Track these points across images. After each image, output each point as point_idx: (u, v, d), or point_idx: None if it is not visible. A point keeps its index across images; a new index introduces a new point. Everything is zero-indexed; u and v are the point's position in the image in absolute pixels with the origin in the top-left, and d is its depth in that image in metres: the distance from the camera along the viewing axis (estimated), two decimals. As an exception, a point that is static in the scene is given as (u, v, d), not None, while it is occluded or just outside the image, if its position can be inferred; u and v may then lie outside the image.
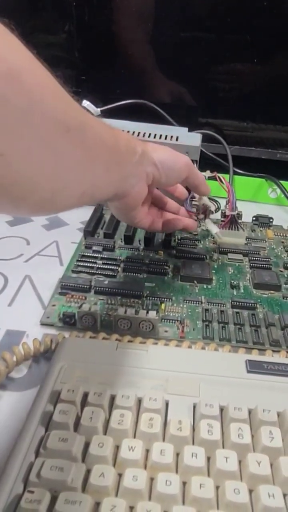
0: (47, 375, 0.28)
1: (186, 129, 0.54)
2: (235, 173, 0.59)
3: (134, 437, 0.25)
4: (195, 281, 0.41)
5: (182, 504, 0.22)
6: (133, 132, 0.51)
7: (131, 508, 0.22)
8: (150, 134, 0.51)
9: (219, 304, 0.38)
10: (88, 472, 0.23)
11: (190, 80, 0.67)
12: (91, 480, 0.22)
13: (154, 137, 0.50)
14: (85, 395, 0.27)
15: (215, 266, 0.44)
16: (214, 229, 0.43)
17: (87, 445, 0.24)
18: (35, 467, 0.23)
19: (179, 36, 0.65)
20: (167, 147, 0.37)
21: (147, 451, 0.24)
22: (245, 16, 0.62)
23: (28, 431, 0.25)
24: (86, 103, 0.63)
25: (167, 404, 0.27)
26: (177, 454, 0.24)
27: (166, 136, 0.51)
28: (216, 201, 0.48)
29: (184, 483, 0.23)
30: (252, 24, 0.62)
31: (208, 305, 0.38)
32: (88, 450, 0.24)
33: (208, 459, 0.24)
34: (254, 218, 0.52)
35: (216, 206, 0.47)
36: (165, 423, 0.26)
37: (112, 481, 0.22)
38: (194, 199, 0.43)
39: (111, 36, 0.69)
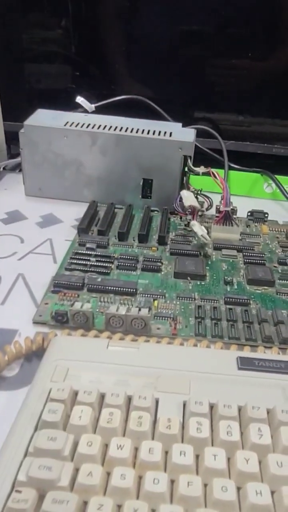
0: (37, 373, 0.29)
1: (180, 124, 0.54)
2: (231, 168, 0.58)
3: (123, 435, 0.25)
4: (189, 278, 0.41)
5: (170, 502, 0.22)
6: (127, 128, 0.51)
7: (119, 506, 0.22)
8: (143, 130, 0.50)
9: (212, 301, 0.38)
10: (76, 471, 0.23)
11: (185, 75, 0.66)
12: (79, 479, 0.22)
13: (148, 133, 0.50)
14: (75, 394, 0.27)
15: (209, 262, 0.43)
16: (200, 232, 0.43)
17: (75, 444, 0.24)
18: (23, 467, 0.23)
19: (174, 30, 0.65)
20: None
21: (136, 449, 0.24)
22: (241, 9, 0.61)
23: (17, 430, 0.25)
24: (80, 99, 0.62)
25: (157, 402, 0.27)
26: (166, 452, 0.24)
27: (159, 132, 0.50)
28: (208, 198, 0.47)
29: (172, 482, 0.23)
30: (247, 17, 0.62)
31: (201, 301, 0.38)
32: (77, 449, 0.24)
33: (197, 457, 0.24)
34: (249, 213, 0.52)
35: (209, 203, 0.47)
36: (154, 421, 0.26)
37: (100, 480, 0.22)
38: (181, 200, 0.43)
39: (106, 31, 0.69)
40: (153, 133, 0.50)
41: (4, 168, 0.60)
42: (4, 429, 0.26)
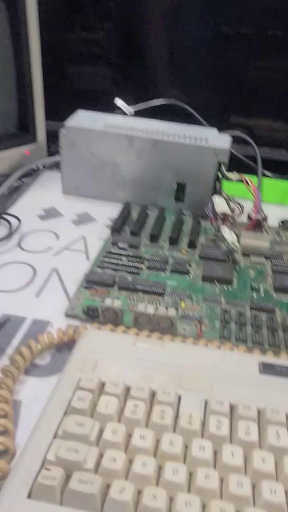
0: (68, 363, 0.30)
1: (216, 129, 0.55)
2: (264, 175, 0.59)
3: (146, 427, 0.26)
4: (216, 282, 0.42)
5: (187, 492, 0.23)
6: (163, 133, 0.52)
7: (139, 492, 0.23)
8: (180, 135, 0.52)
9: (238, 306, 0.39)
10: (100, 456, 0.24)
11: (222, 80, 0.67)
12: (103, 463, 0.24)
13: (184, 138, 0.51)
14: (102, 385, 0.28)
15: (237, 268, 0.44)
16: (229, 238, 0.44)
17: (101, 431, 0.25)
18: (52, 447, 0.24)
19: (214, 35, 0.66)
20: None
21: (157, 441, 0.25)
22: (280, 12, 0.62)
23: (48, 414, 0.27)
24: (119, 102, 0.64)
25: (179, 398, 0.28)
26: (186, 446, 0.25)
27: (195, 138, 0.51)
28: (240, 204, 0.48)
29: (190, 474, 0.24)
30: (286, 21, 0.62)
31: (227, 305, 0.39)
32: (102, 436, 0.25)
33: (215, 453, 0.25)
34: (281, 222, 0.52)
35: (240, 209, 0.48)
36: (176, 416, 0.27)
37: (122, 466, 0.24)
38: (213, 205, 0.44)
39: (147, 35, 0.70)
40: (189, 139, 0.51)
41: (43, 166, 0.63)
42: (34, 412, 0.27)
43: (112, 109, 0.65)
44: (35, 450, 0.24)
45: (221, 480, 0.24)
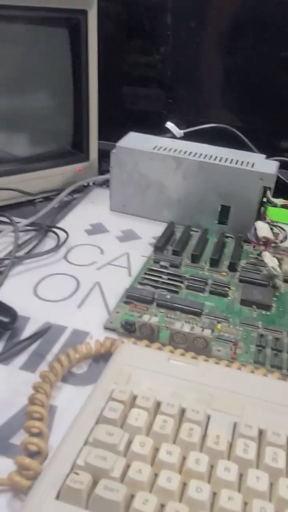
0: (103, 374, 0.31)
1: (264, 156, 0.55)
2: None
3: (173, 443, 0.27)
4: (255, 306, 0.42)
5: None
6: (211, 156, 0.53)
7: (162, 506, 0.24)
8: (226, 159, 0.53)
9: (275, 331, 0.39)
10: (127, 466, 0.25)
11: (273, 106, 0.68)
12: (129, 473, 0.24)
13: (231, 162, 0.52)
14: (134, 397, 0.29)
15: (277, 294, 0.44)
16: (270, 263, 0.44)
17: (129, 443, 0.26)
18: (82, 453, 0.26)
19: (265, 60, 0.67)
20: None
21: (183, 458, 0.26)
22: None
23: (81, 421, 0.28)
24: (170, 124, 0.66)
25: (208, 418, 0.28)
26: (211, 466, 0.26)
27: (242, 162, 0.52)
28: (284, 230, 0.48)
29: (214, 494, 0.24)
30: None
31: (264, 331, 0.39)
32: (130, 447, 0.26)
33: (240, 476, 0.25)
34: None
35: (284, 235, 0.48)
36: (204, 436, 0.27)
37: (147, 478, 0.24)
38: (256, 230, 0.44)
39: (199, 60, 0.72)
40: (236, 163, 0.52)
41: (93, 183, 0.66)
42: (67, 418, 0.29)
43: (163, 131, 0.67)
44: (66, 454, 0.26)
45: (245, 504, 0.24)
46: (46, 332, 0.38)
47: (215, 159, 0.53)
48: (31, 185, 0.58)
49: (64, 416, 0.31)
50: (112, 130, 0.61)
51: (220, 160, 0.52)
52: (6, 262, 0.45)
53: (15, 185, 0.57)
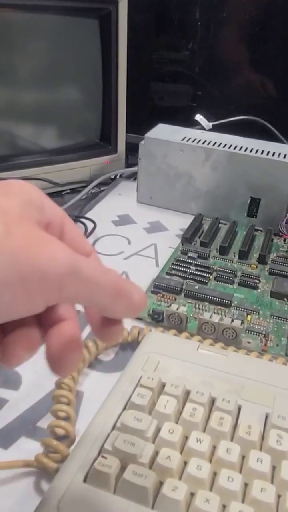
0: (131, 361, 0.31)
1: (296, 147, 0.54)
2: None
3: (203, 431, 0.26)
4: (286, 299, 0.41)
5: (241, 502, 0.23)
6: (241, 147, 0.52)
7: (191, 494, 0.23)
8: (257, 150, 0.51)
9: (308, 325, 0.38)
10: (156, 453, 0.24)
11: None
12: (158, 460, 0.24)
13: (261, 153, 0.51)
14: (163, 385, 0.29)
15: (309, 287, 0.43)
16: None
17: (158, 429, 0.26)
18: (110, 438, 0.25)
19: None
20: None
21: (214, 447, 0.25)
22: None
23: (108, 406, 0.27)
24: (199, 117, 0.65)
25: (239, 409, 0.28)
26: (243, 457, 0.25)
27: (273, 153, 0.51)
28: None
29: (245, 484, 0.23)
30: None
31: (296, 323, 0.38)
32: (159, 434, 0.25)
33: (273, 467, 0.24)
34: None
35: None
36: (235, 425, 0.27)
37: (177, 465, 0.24)
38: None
39: (229, 54, 0.71)
40: (266, 154, 0.51)
41: (120, 176, 0.65)
42: (94, 404, 0.28)
43: (191, 124, 0.66)
44: (94, 438, 0.25)
45: (278, 496, 0.23)
46: (73, 319, 0.38)
47: (245, 150, 0.52)
48: (59, 176, 0.59)
49: (91, 402, 0.31)
50: (140, 123, 0.61)
51: (250, 151, 0.51)
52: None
53: (43, 175, 0.57)
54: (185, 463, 0.24)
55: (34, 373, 0.33)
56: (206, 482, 0.23)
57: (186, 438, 0.25)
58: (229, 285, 0.43)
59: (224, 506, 0.22)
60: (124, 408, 0.27)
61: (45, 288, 0.16)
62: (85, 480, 0.23)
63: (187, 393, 0.28)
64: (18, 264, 0.15)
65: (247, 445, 0.25)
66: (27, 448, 0.28)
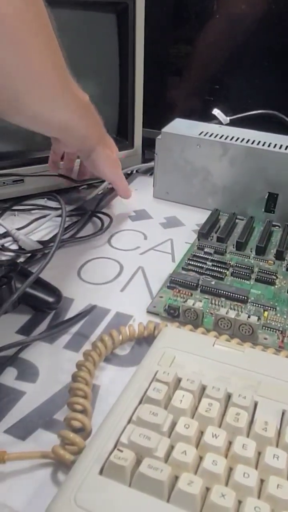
0: (147, 355, 0.31)
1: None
2: None
3: (219, 427, 0.26)
4: (303, 295, 0.40)
5: (257, 498, 0.22)
6: (258, 142, 0.51)
7: (207, 489, 0.23)
8: (275, 145, 0.51)
9: None
10: (171, 447, 0.25)
11: None
12: (173, 454, 0.24)
13: (280, 148, 0.50)
14: (178, 380, 0.29)
15: None
16: None
17: (173, 424, 0.26)
18: (126, 431, 0.25)
19: None
20: None
21: (229, 442, 0.25)
22: None
23: (124, 400, 0.28)
24: (216, 111, 0.65)
25: (255, 405, 0.27)
26: (259, 453, 0.25)
27: (292, 148, 0.50)
28: None
29: (261, 480, 0.23)
30: None
31: (314, 320, 0.38)
32: (175, 428, 0.25)
33: (290, 464, 0.24)
34: None
35: None
36: (251, 422, 0.26)
37: (192, 460, 0.24)
38: None
39: (247, 46, 0.70)
40: (285, 148, 0.50)
41: (137, 171, 0.65)
42: (110, 397, 0.29)
43: (210, 119, 0.66)
44: (110, 431, 0.25)
45: (294, 493, 0.23)
46: (90, 312, 0.38)
47: (263, 145, 0.51)
48: (75, 171, 0.59)
49: (107, 396, 0.31)
50: (157, 118, 0.61)
51: (268, 146, 0.51)
52: (52, 244, 0.46)
53: (60, 171, 0.57)
54: (201, 458, 0.24)
55: (51, 366, 0.33)
56: (222, 477, 0.23)
57: (202, 433, 0.25)
58: (245, 281, 0.42)
59: (239, 502, 0.22)
60: (140, 402, 0.27)
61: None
62: (101, 473, 0.24)
63: (203, 388, 0.28)
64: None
65: (264, 441, 0.25)
66: (44, 440, 0.28)
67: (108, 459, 0.24)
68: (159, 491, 0.22)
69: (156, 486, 0.23)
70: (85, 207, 0.54)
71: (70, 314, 0.38)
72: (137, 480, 0.23)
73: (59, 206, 0.51)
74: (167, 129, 0.55)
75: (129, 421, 0.26)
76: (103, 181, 0.59)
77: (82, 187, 0.60)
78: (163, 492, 0.22)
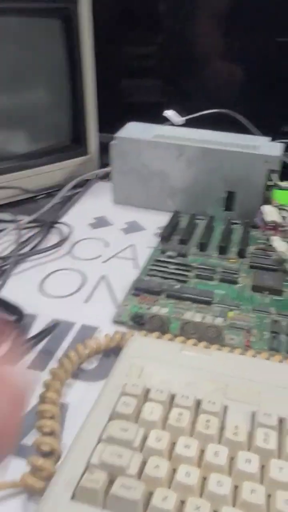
0: (114, 368, 0.31)
1: (269, 138, 0.54)
2: None
3: (191, 436, 0.26)
4: (266, 292, 0.41)
5: (232, 506, 0.22)
6: (213, 141, 0.52)
7: (182, 502, 0.23)
8: (230, 144, 0.51)
9: (290, 317, 0.38)
10: (144, 462, 0.24)
11: (275, 88, 0.66)
12: (146, 470, 0.23)
13: (234, 146, 0.51)
14: (147, 391, 0.28)
15: (289, 278, 0.43)
16: (280, 247, 0.43)
17: (145, 437, 0.25)
18: (96, 451, 0.25)
19: (265, 44, 0.65)
20: None
21: (202, 451, 0.25)
22: None
23: (93, 418, 0.27)
24: (168, 112, 0.65)
25: (225, 409, 0.27)
26: (231, 458, 0.25)
27: (246, 146, 0.51)
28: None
29: (235, 487, 0.23)
30: None
31: (278, 316, 0.38)
32: (146, 442, 0.25)
33: (262, 467, 0.24)
34: None
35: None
36: (221, 427, 0.26)
37: (165, 474, 0.23)
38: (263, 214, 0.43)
39: (198, 46, 0.71)
40: (239, 147, 0.51)
41: (95, 177, 0.64)
42: (80, 415, 0.28)
43: (165, 120, 0.65)
44: (79, 453, 0.25)
45: (268, 496, 0.23)
46: (54, 329, 0.37)
47: (218, 145, 0.51)
48: (31, 181, 0.57)
49: (76, 414, 0.30)
50: (113, 122, 0.60)
51: (223, 145, 0.51)
52: (10, 260, 0.44)
53: (15, 182, 0.56)
54: (174, 470, 0.24)
55: (17, 388, 0.32)
56: (196, 489, 0.23)
57: (174, 444, 0.25)
58: (209, 281, 0.43)
59: (215, 512, 0.22)
60: (110, 419, 0.27)
61: None
62: (73, 498, 0.23)
63: (173, 397, 0.28)
64: None
65: (235, 446, 0.25)
66: (15, 467, 0.27)
67: (79, 484, 0.23)
68: (133, 511, 0.22)
69: (130, 506, 0.22)
70: (43, 218, 0.52)
71: (34, 331, 0.37)
72: (110, 502, 0.23)
73: (16, 219, 0.50)
74: (121, 133, 0.55)
75: (99, 440, 0.26)
76: (60, 189, 0.58)
77: (40, 196, 0.59)
78: (138, 511, 0.22)
